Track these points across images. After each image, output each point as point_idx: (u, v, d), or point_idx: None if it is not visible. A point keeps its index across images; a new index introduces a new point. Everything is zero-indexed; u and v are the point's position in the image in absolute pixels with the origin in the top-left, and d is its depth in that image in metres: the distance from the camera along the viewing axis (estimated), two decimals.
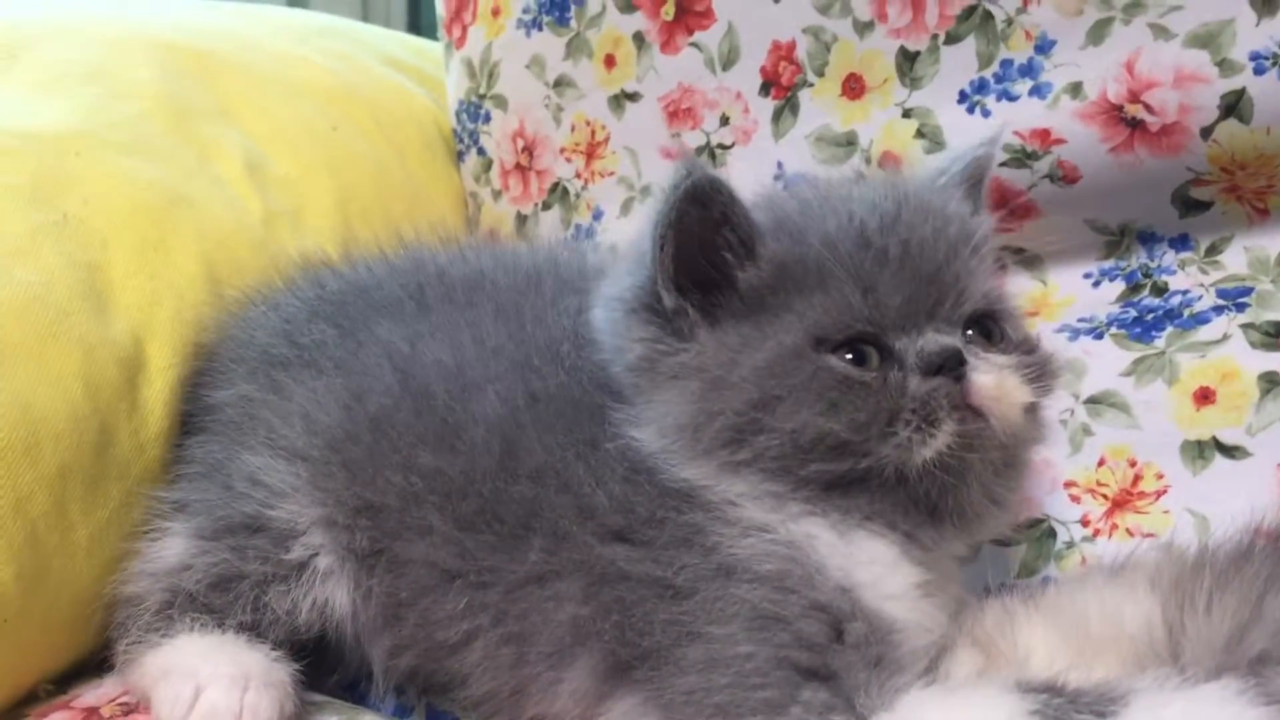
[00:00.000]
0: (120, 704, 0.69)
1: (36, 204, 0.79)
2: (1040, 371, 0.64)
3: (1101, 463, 0.82)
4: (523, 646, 0.64)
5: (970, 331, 0.64)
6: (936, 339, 0.61)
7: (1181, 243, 0.86)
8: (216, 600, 0.69)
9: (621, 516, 0.62)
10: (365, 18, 2.14)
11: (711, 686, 0.57)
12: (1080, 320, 0.88)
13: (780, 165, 0.98)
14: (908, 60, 0.92)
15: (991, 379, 0.60)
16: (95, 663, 0.72)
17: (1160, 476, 0.81)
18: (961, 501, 0.62)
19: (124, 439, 0.74)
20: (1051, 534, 0.82)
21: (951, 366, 0.60)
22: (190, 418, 0.78)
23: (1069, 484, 0.83)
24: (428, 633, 0.67)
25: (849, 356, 0.61)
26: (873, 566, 0.60)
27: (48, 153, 0.84)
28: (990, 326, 0.65)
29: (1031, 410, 0.63)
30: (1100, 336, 0.86)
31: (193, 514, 0.72)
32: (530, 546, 0.64)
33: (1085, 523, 0.82)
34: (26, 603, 0.66)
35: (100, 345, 0.75)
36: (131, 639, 0.69)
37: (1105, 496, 0.82)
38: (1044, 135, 0.86)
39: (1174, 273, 0.86)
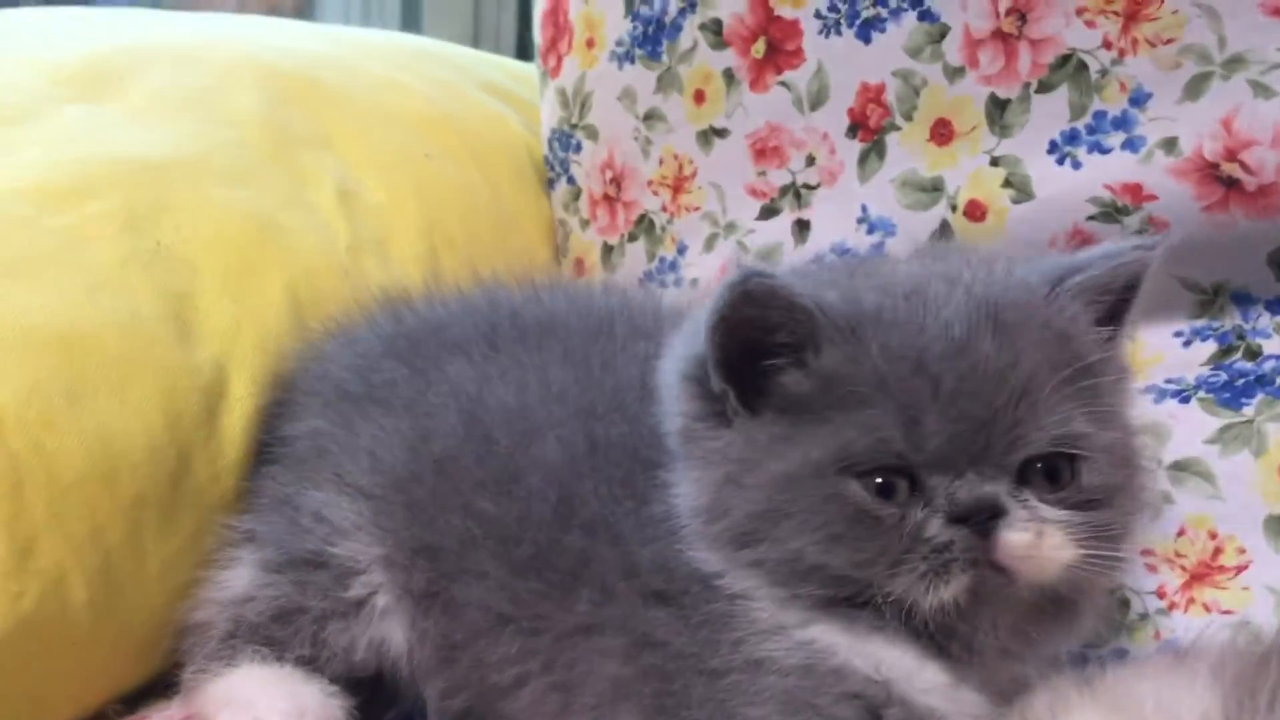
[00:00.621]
0: None
1: (131, 231, 0.82)
2: (1102, 529, 0.58)
3: (1181, 533, 0.80)
4: (569, 695, 0.65)
5: (1037, 466, 0.58)
6: (974, 485, 0.56)
7: (1277, 306, 0.82)
8: (278, 633, 0.71)
9: (663, 580, 0.62)
10: (475, 40, 2.17)
11: None
12: (1168, 381, 0.85)
13: (865, 208, 0.97)
14: (998, 108, 0.90)
15: (1025, 538, 0.56)
16: (162, 686, 0.75)
17: (1242, 551, 0.77)
18: (977, 646, 0.59)
19: (200, 468, 0.76)
20: (1125, 604, 0.79)
21: (981, 519, 0.56)
22: (264, 448, 0.80)
23: (1146, 552, 0.80)
24: (480, 675, 0.68)
25: (878, 482, 0.57)
26: (898, 667, 0.59)
27: (146, 180, 0.87)
28: (1060, 466, 0.59)
29: (1085, 564, 0.58)
30: (1187, 400, 0.83)
31: (260, 545, 0.74)
32: (579, 598, 0.64)
33: (1161, 594, 0.79)
34: (98, 627, 0.68)
35: (183, 374, 0.77)
36: (196, 666, 0.71)
37: (1183, 568, 0.79)
38: (1135, 190, 0.83)
39: (1269, 336, 0.82)
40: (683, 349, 0.64)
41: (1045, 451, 0.58)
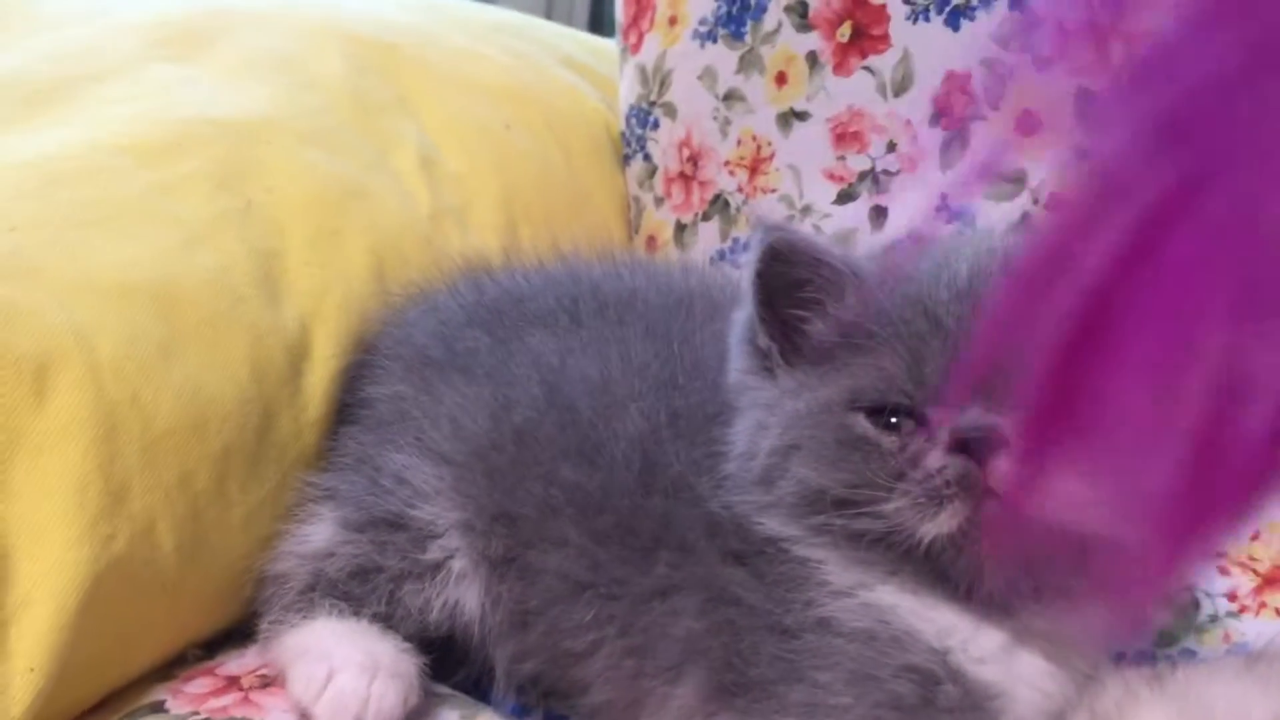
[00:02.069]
0: (259, 675, 0.72)
1: (223, 190, 0.84)
2: None
3: (1255, 536, 0.79)
4: (642, 659, 0.66)
5: None
6: (977, 416, 0.57)
7: None
8: (355, 589, 0.73)
9: (739, 540, 0.64)
10: (549, 13, 2.17)
11: None
12: None
13: (944, 198, 0.97)
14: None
15: None
16: (241, 633, 0.76)
17: None
18: (989, 586, 0.59)
19: (284, 423, 0.78)
20: (1196, 605, 0.79)
21: (978, 448, 0.57)
22: (346, 408, 0.81)
23: (1218, 555, 0.80)
24: (554, 641, 0.70)
25: (885, 418, 0.60)
26: (956, 632, 0.60)
27: (238, 140, 0.88)
28: None
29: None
30: None
31: (341, 503, 0.75)
32: (658, 560, 0.66)
33: (1232, 597, 0.79)
34: (184, 572, 0.70)
35: (270, 331, 0.79)
36: (274, 616, 0.73)
37: (1256, 572, 0.79)
38: None
39: None
40: (739, 312, 0.67)
41: None
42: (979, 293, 0.60)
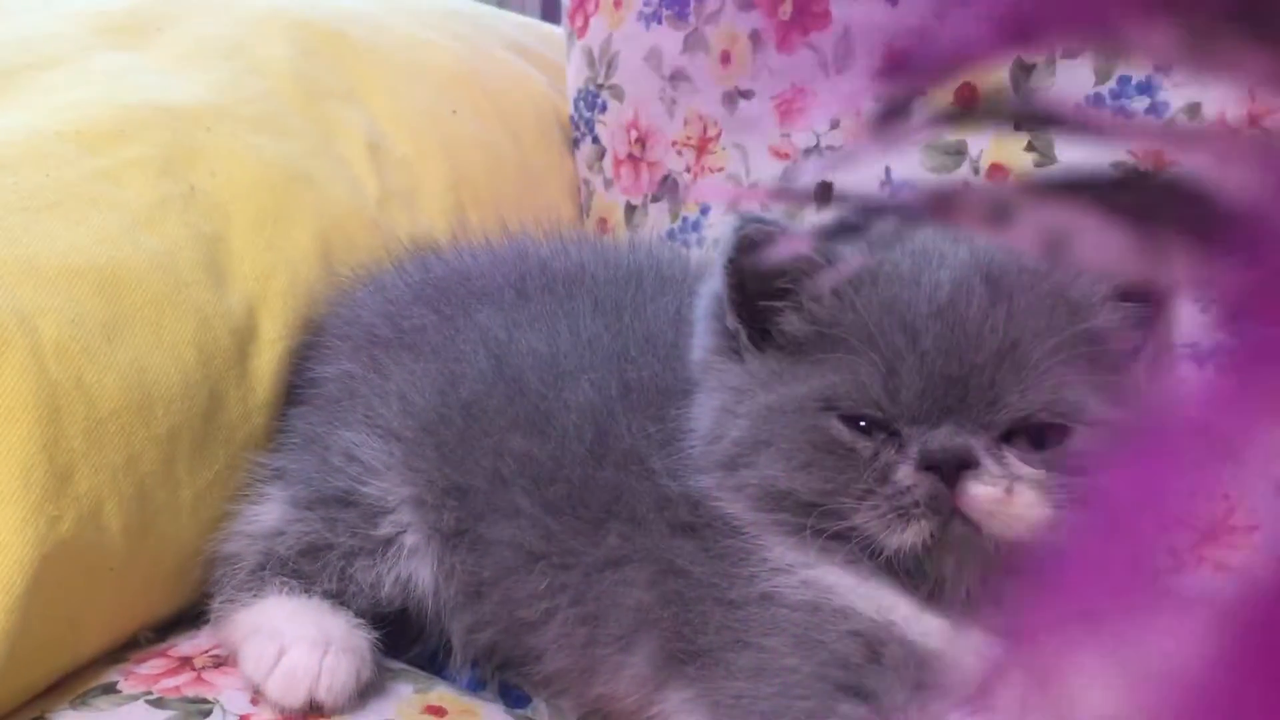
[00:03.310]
0: (212, 655, 0.73)
1: (167, 175, 0.84)
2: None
3: None
4: (595, 628, 0.67)
5: (1025, 429, 0.59)
6: (948, 436, 0.58)
7: None
8: (306, 567, 0.73)
9: (689, 512, 0.64)
10: (501, 0, 2.17)
11: (758, 694, 0.59)
12: (1182, 346, 0.86)
13: (888, 171, 0.98)
14: (1023, 72, 0.90)
15: (992, 492, 0.57)
16: (192, 615, 0.77)
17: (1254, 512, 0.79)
18: (951, 594, 0.60)
19: (232, 406, 0.78)
20: None
21: (948, 468, 0.57)
22: (295, 389, 0.81)
23: None
24: (509, 610, 0.70)
25: (857, 424, 0.59)
26: (898, 609, 0.61)
27: (182, 126, 0.88)
28: (1047, 432, 0.59)
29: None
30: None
31: (290, 482, 0.76)
32: (609, 531, 0.67)
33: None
34: (132, 554, 0.70)
35: (215, 315, 0.79)
36: (225, 596, 0.73)
37: (1195, 529, 0.80)
38: (1158, 156, 0.84)
39: None
40: (707, 288, 0.67)
41: (1031, 416, 0.59)
42: (960, 312, 0.59)
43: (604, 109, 1.19)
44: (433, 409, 0.74)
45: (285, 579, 0.73)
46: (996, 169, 0.91)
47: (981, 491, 0.57)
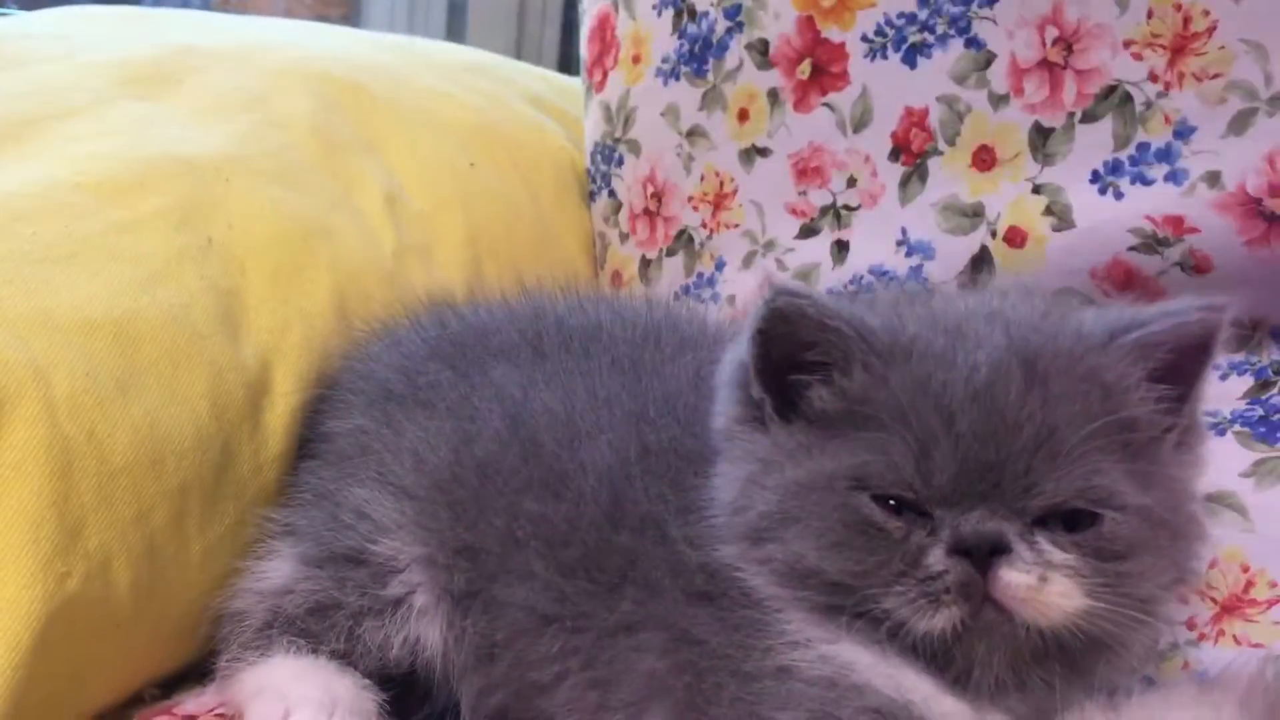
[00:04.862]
0: (217, 714, 0.72)
1: (185, 227, 0.84)
2: (1121, 585, 0.58)
3: (1213, 565, 0.80)
4: (606, 692, 0.66)
5: (1059, 515, 0.58)
6: (981, 520, 0.57)
7: None
8: (313, 626, 0.72)
9: (705, 581, 0.63)
10: (519, 51, 2.19)
11: None
12: (1204, 414, 0.85)
13: (904, 231, 0.98)
14: (1041, 136, 0.90)
15: (1025, 579, 0.57)
16: (198, 672, 0.76)
17: (1274, 585, 0.77)
18: (980, 679, 0.59)
19: (243, 460, 0.78)
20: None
21: (980, 554, 0.57)
22: (307, 443, 0.81)
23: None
24: (520, 673, 0.69)
25: (889, 503, 0.58)
26: (919, 689, 0.59)
27: (201, 178, 0.88)
28: (1081, 518, 0.58)
29: (1095, 616, 0.58)
30: (1223, 433, 0.83)
31: (300, 539, 0.75)
32: (624, 595, 0.66)
33: (1191, 626, 0.79)
34: (139, 610, 0.69)
35: (230, 368, 0.78)
36: (232, 654, 0.73)
37: (1214, 600, 0.79)
38: (1177, 223, 0.84)
39: None
40: (732, 354, 0.66)
41: (1066, 502, 0.58)
42: (998, 397, 0.58)
43: (620, 163, 1.19)
44: (446, 467, 0.73)
45: (293, 638, 0.72)
46: (1015, 232, 0.91)
47: (1014, 578, 0.57)
